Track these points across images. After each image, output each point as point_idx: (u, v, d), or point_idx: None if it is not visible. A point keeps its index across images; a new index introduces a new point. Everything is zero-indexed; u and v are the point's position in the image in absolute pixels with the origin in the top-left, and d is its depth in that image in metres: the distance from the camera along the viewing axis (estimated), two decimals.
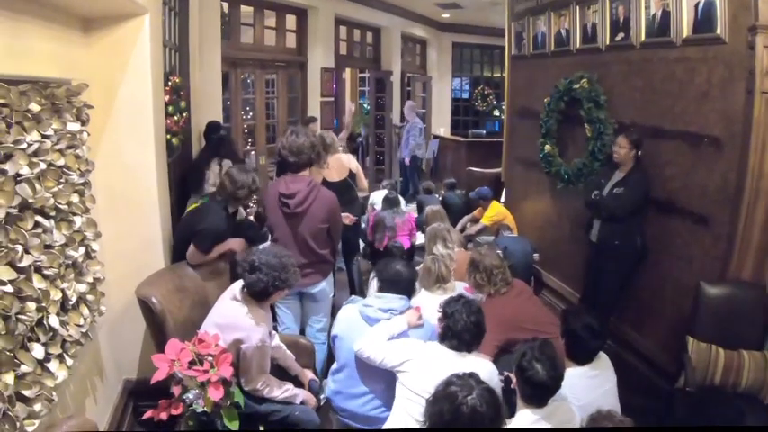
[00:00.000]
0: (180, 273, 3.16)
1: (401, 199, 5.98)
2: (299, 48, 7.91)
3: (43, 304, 2.03)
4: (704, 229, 3.51)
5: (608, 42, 4.44)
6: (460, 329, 2.47)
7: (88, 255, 2.54)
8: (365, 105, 10.31)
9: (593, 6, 4.58)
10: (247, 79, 7.22)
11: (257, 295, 2.65)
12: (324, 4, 7.93)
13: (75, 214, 2.34)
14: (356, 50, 9.98)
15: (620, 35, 4.27)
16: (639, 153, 3.89)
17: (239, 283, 2.70)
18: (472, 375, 1.91)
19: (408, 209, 6.55)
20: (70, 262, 2.30)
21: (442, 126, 12.50)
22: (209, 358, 2.22)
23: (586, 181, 4.57)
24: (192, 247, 3.23)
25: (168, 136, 3.83)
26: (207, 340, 2.27)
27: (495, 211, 6.20)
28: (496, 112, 13.19)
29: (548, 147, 5.25)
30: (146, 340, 3.32)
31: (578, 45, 4.88)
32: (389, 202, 5.34)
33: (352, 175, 4.89)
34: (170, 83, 3.87)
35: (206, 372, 2.18)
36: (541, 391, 2.18)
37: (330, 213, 3.39)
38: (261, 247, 3.30)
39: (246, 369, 2.63)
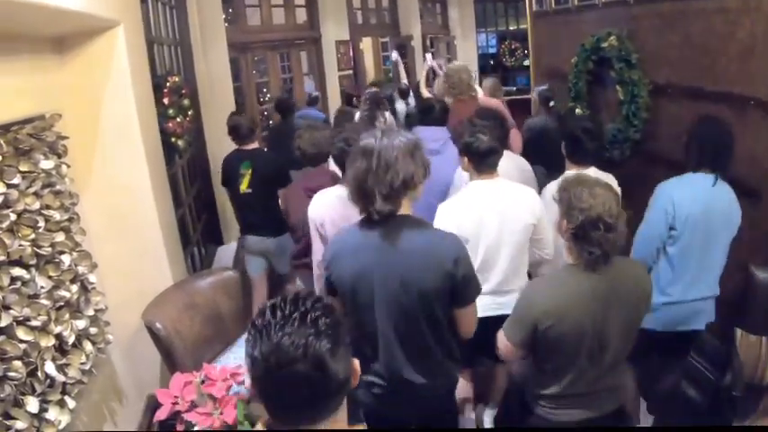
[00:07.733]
0: (188, 289, 3.02)
1: None
2: (311, 22, 7.59)
3: (32, 359, 1.93)
4: (755, 203, 3.08)
5: None
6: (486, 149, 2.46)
7: (85, 288, 2.43)
8: (389, 74, 9.93)
9: None
10: (260, 63, 6.99)
11: None
12: None
13: (62, 253, 2.21)
14: (372, 17, 9.56)
15: None
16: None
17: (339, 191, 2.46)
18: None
19: None
20: (63, 303, 2.19)
21: None
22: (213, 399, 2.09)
23: None
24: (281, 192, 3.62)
25: (173, 139, 3.69)
26: (213, 377, 2.14)
27: None
28: (527, 62, 12.59)
29: (578, 111, 4.89)
30: None
31: None
32: None
33: None
34: (168, 84, 3.69)
35: (209, 415, 2.05)
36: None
37: None
38: None
39: None
